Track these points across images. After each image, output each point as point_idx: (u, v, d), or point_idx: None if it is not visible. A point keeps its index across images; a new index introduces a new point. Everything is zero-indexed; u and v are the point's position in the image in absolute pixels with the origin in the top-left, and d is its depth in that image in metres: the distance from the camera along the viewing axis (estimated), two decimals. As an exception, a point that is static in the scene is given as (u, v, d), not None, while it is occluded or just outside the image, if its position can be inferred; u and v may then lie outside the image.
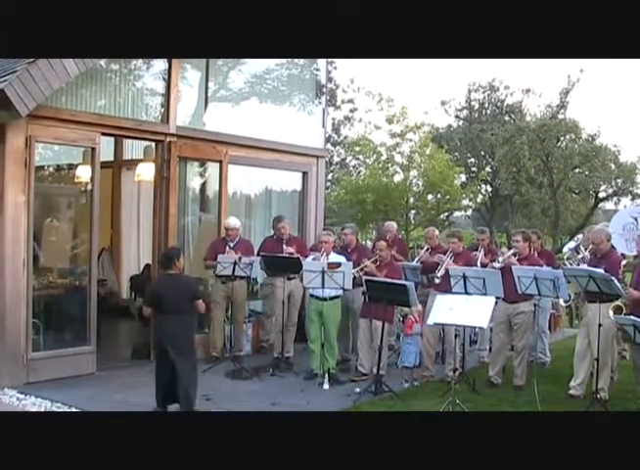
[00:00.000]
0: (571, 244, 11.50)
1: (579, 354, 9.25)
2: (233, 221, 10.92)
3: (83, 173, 10.20)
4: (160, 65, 10.63)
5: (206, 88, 11.58)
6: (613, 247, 9.98)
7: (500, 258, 9.61)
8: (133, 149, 14.23)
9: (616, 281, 8.28)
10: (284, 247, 10.86)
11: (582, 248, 10.88)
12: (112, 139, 12.91)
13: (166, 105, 10.72)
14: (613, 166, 32.36)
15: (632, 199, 33.48)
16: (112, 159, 14.14)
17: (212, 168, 11.61)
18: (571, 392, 9.17)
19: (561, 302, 9.69)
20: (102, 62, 9.77)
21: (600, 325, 8.43)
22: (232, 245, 10.75)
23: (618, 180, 33.07)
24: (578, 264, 9.93)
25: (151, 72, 10.68)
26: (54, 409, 8.09)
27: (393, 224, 13.19)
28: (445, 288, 9.48)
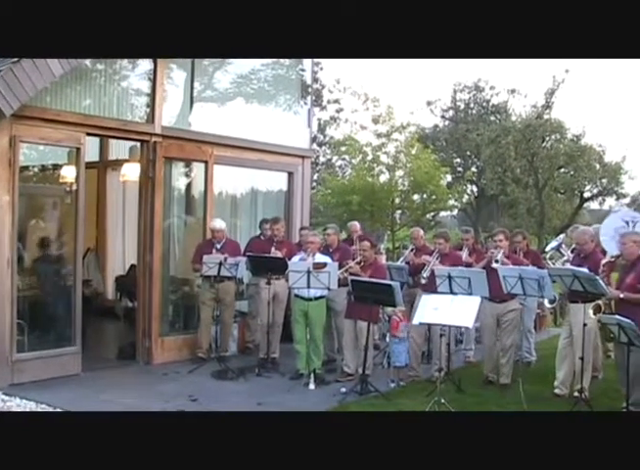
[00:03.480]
0: (554, 243, 11.54)
1: (561, 354, 9.32)
2: (218, 223, 10.92)
3: (68, 174, 10.15)
4: (145, 65, 10.61)
5: (192, 88, 11.56)
6: (603, 250, 10.05)
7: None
8: (118, 149, 14.19)
9: (600, 280, 8.33)
10: (272, 249, 10.84)
11: (565, 247, 10.92)
12: (97, 139, 12.91)
13: (152, 105, 10.69)
14: (597, 166, 32.48)
15: (617, 199, 33.64)
16: (97, 159, 14.14)
17: (198, 169, 11.58)
18: (557, 391, 9.23)
19: (546, 303, 9.71)
20: (87, 61, 9.75)
21: (585, 325, 8.49)
22: (219, 246, 10.75)
23: (603, 180, 33.19)
24: (563, 265, 9.97)
25: (136, 72, 10.66)
26: (39, 410, 8.06)
27: (357, 224, 13.15)
28: (433, 288, 9.50)
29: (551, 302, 9.84)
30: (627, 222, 10.38)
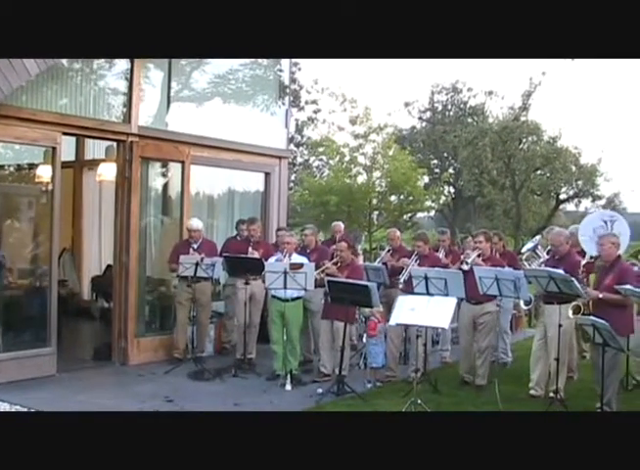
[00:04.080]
0: (530, 244, 11.60)
1: (535, 355, 9.37)
2: (195, 223, 10.90)
3: (44, 173, 10.09)
4: (122, 64, 10.57)
5: (169, 88, 11.52)
6: (582, 250, 10.12)
7: (469, 259, 9.65)
8: (95, 149, 14.13)
9: (575, 282, 8.39)
10: (249, 250, 10.83)
11: (541, 248, 10.98)
12: (73, 139, 12.83)
13: (128, 104, 10.65)
14: (573, 168, 32.71)
15: (593, 200, 33.92)
16: (73, 158, 14.06)
17: (175, 169, 11.54)
18: (532, 392, 9.27)
19: (522, 304, 9.77)
20: (64, 61, 9.70)
21: (560, 325, 8.55)
22: (196, 246, 10.73)
23: (579, 182, 33.43)
24: (540, 266, 10.02)
25: (113, 72, 10.61)
26: (13, 411, 8.00)
27: (340, 224, 13.22)
28: (410, 289, 9.53)
29: (526, 303, 9.88)
30: (606, 222, 10.46)
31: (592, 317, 7.77)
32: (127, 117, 10.65)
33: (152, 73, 11.26)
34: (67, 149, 11.12)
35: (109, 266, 12.73)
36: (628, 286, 7.84)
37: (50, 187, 9.83)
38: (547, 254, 10.32)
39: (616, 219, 10.45)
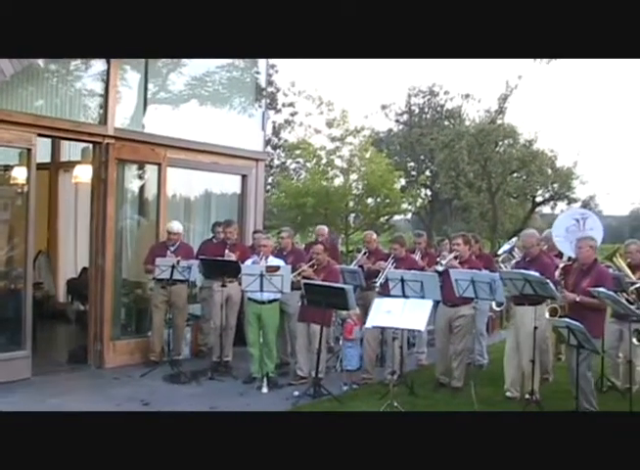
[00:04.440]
0: (506, 246, 11.65)
1: (509, 357, 9.43)
2: (176, 226, 10.89)
3: (19, 175, 10.03)
4: (98, 65, 10.51)
5: (146, 90, 11.48)
6: (560, 253, 10.18)
7: (443, 261, 9.70)
8: (71, 150, 14.05)
9: (550, 284, 8.44)
10: (226, 252, 10.82)
11: (517, 250, 11.03)
12: (49, 140, 12.75)
13: (105, 106, 10.60)
14: (549, 171, 32.78)
15: (568, 203, 33.98)
16: (49, 160, 13.97)
17: (151, 171, 11.52)
18: (508, 394, 9.32)
19: (493, 305, 9.81)
20: (40, 61, 9.65)
21: (536, 328, 8.61)
22: (173, 249, 10.71)
23: (555, 185, 33.50)
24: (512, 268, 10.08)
25: (89, 73, 10.55)
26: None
27: (325, 228, 13.25)
28: (386, 291, 9.55)
29: (499, 305, 9.93)
30: (577, 220, 10.54)
31: (567, 319, 7.83)
32: (103, 119, 10.59)
33: (128, 75, 11.20)
34: (42, 150, 11.07)
35: (84, 269, 12.67)
36: (602, 289, 7.89)
37: (25, 189, 9.77)
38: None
39: (587, 217, 10.53)
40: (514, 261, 10.11)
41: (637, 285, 8.65)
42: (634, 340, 7.84)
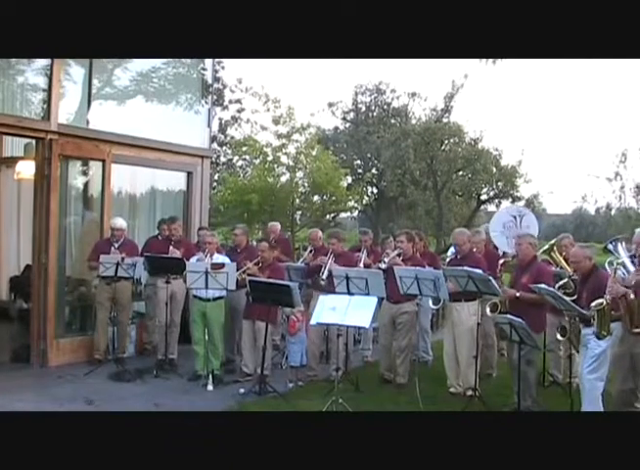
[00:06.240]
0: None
1: (448, 353, 9.59)
2: (120, 222, 10.82)
3: (-41, 171, 9.90)
4: (42, 60, 10.37)
5: (90, 85, 11.37)
6: (495, 247, 10.34)
7: (386, 259, 9.78)
8: (13, 146, 13.85)
9: (493, 281, 8.58)
10: (171, 249, 10.78)
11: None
12: (-10, 136, 12.58)
13: (48, 101, 10.47)
14: (494, 170, 33.18)
15: (512, 201, 34.37)
16: (-10, 156, 13.78)
17: (95, 167, 11.41)
18: (452, 390, 9.46)
19: (430, 304, 9.85)
20: (-19, 56, 9.51)
21: (479, 324, 8.75)
22: (117, 245, 10.63)
23: (499, 183, 33.92)
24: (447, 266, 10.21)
25: (32, 67, 10.42)
26: None
27: (277, 225, 13.30)
28: (331, 288, 9.59)
29: (435, 303, 10.00)
30: (515, 217, 10.75)
31: (509, 315, 7.95)
32: (47, 115, 10.48)
33: (72, 70, 11.08)
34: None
35: (27, 266, 12.50)
36: (543, 285, 8.03)
37: (-34, 185, 9.64)
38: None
39: (524, 214, 10.77)
40: (447, 260, 10.26)
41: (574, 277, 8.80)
42: (558, 335, 7.97)
